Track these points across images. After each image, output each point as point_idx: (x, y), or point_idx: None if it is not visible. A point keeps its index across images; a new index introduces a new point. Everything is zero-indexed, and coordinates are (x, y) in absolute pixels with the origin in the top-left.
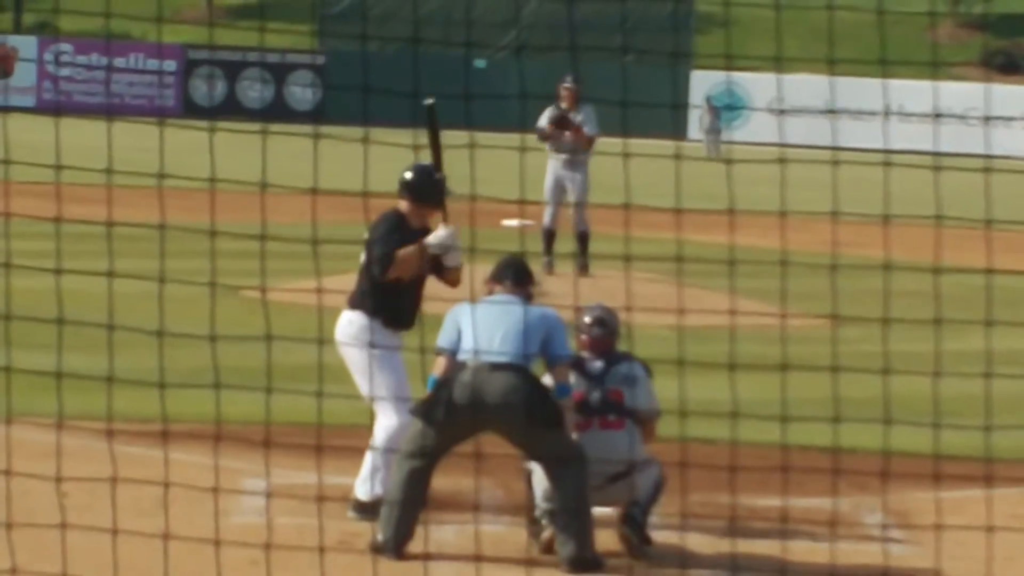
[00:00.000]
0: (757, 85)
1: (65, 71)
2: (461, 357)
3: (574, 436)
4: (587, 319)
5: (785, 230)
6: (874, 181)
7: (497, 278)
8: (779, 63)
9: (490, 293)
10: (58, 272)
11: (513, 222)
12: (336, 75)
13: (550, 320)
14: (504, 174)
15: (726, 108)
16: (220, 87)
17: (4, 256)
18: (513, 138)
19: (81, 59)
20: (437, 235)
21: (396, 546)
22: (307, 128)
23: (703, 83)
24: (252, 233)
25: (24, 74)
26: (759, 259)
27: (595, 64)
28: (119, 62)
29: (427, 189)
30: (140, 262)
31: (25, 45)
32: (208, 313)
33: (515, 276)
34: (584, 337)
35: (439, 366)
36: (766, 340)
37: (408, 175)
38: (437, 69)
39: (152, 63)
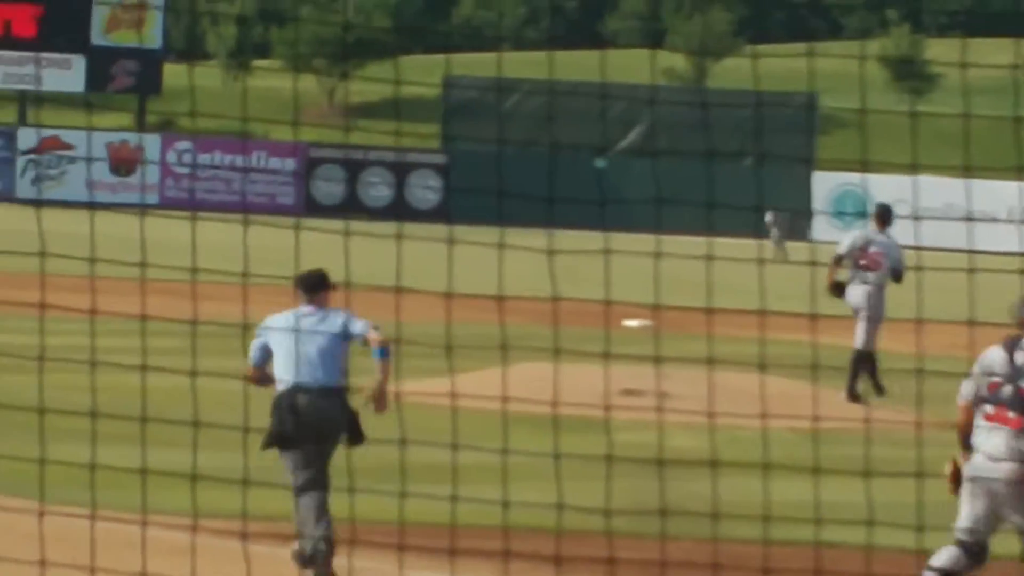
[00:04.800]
0: (880, 187)
1: (187, 169)
2: (287, 381)
3: None
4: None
5: (920, 334)
6: (1005, 284)
7: (296, 290)
8: (914, 168)
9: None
10: (193, 374)
11: (633, 322)
12: (459, 174)
13: (346, 321)
14: (631, 274)
15: (837, 214)
16: (341, 186)
17: (140, 355)
18: (641, 239)
19: (203, 157)
20: None
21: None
22: (440, 230)
23: (826, 184)
24: (388, 335)
25: (147, 172)
26: (893, 364)
27: (718, 164)
28: (240, 160)
29: None
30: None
31: (148, 143)
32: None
33: (313, 289)
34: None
35: (252, 375)
36: (900, 444)
37: None
38: (560, 168)
39: (274, 161)
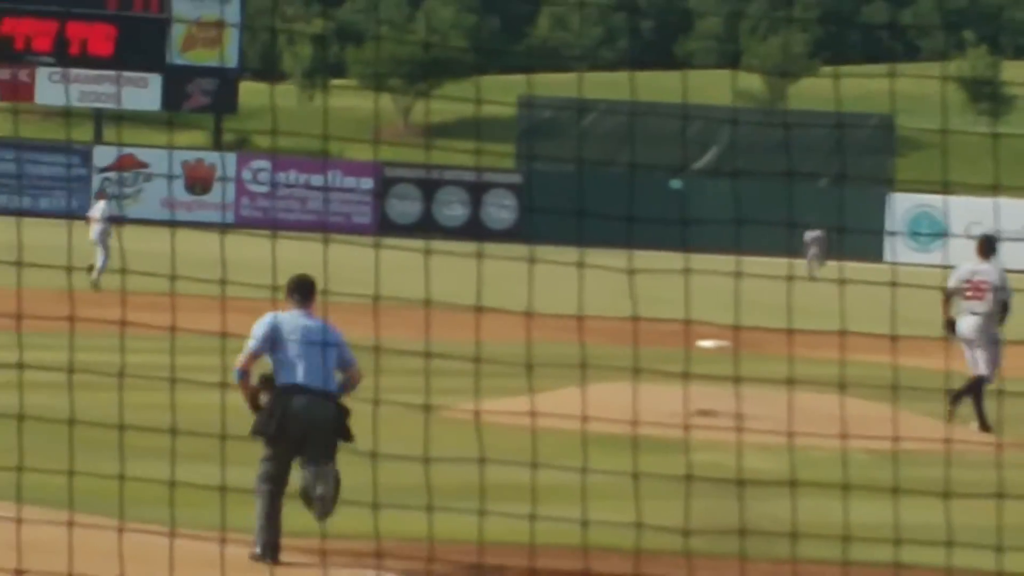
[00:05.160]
0: (957, 209)
1: (263, 188)
2: (289, 379)
3: None
4: None
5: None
6: None
7: (288, 295)
8: (996, 190)
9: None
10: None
11: (708, 343)
12: (533, 194)
13: (338, 338)
14: (705, 295)
15: (913, 235)
16: (416, 205)
17: (220, 373)
18: (716, 260)
19: (279, 176)
20: None
21: (273, 553)
22: (515, 250)
23: (902, 206)
24: (466, 354)
25: (222, 190)
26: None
27: (794, 186)
28: (316, 179)
29: None
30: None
31: (223, 162)
32: (409, 431)
33: (304, 295)
34: None
35: (247, 361)
36: (979, 465)
37: None
38: (635, 188)
39: (349, 180)
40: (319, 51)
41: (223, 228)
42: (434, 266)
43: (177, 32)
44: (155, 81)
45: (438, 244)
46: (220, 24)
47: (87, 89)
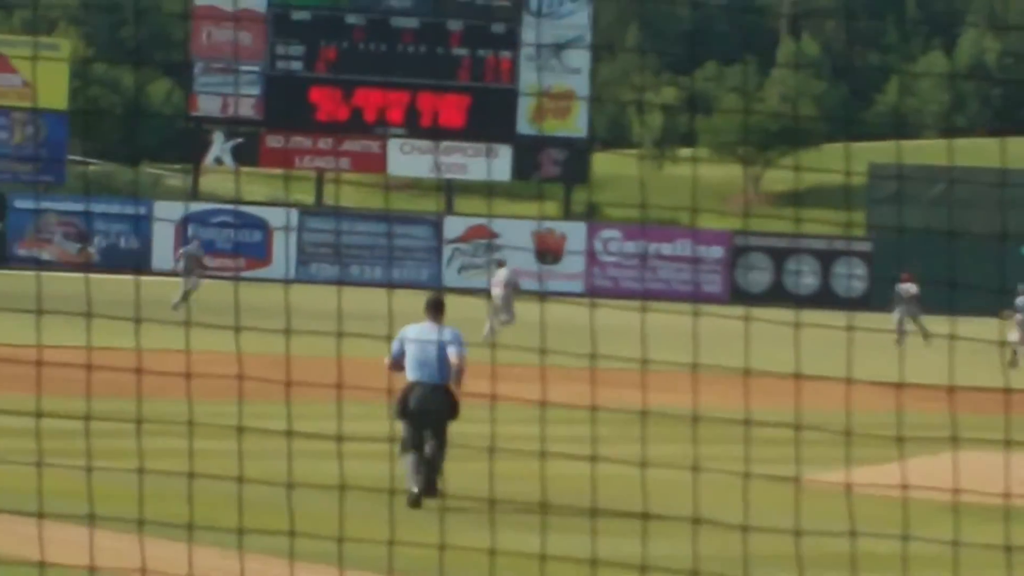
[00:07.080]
0: None
1: (612, 258)
2: (412, 377)
3: None
4: None
5: None
6: None
7: (426, 310)
8: None
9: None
10: (593, 459)
11: None
12: (884, 262)
13: (452, 339)
14: None
15: None
16: (766, 275)
17: (539, 442)
18: None
19: (628, 246)
20: None
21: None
22: (873, 320)
23: None
24: (833, 424)
25: (572, 261)
26: None
27: None
28: (666, 249)
29: None
30: (673, 447)
31: (574, 232)
32: (777, 502)
33: (434, 310)
34: None
35: (389, 366)
36: None
37: None
38: (983, 256)
39: (700, 249)
40: (668, 120)
41: (592, 300)
42: (790, 335)
43: (526, 103)
44: (505, 151)
45: (792, 314)
46: (569, 95)
47: (438, 160)
